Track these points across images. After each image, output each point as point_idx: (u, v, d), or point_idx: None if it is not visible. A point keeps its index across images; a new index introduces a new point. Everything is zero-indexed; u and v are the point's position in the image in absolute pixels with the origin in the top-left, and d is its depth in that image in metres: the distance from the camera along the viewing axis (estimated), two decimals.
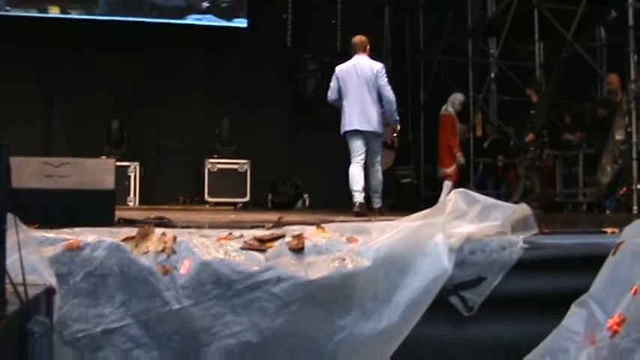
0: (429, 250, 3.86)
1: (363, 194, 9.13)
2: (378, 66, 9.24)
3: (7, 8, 14.28)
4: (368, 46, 9.47)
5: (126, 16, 14.78)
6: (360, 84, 9.15)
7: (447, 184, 12.05)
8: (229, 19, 15.31)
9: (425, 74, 15.86)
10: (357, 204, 8.99)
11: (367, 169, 9.46)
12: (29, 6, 14.41)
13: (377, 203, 9.53)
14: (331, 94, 9.46)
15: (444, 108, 12.53)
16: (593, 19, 12.71)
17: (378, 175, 9.41)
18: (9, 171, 2.75)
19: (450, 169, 12.19)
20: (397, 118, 9.62)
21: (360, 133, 9.15)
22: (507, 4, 13.21)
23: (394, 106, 9.35)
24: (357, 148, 9.18)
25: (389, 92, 9.22)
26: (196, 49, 14.86)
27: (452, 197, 4.31)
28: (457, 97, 12.61)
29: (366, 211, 8.99)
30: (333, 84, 9.42)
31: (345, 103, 9.27)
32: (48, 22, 14.42)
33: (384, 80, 9.18)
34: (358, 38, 9.51)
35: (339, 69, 9.38)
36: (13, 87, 14.09)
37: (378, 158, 9.42)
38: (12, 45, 13.82)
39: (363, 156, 9.19)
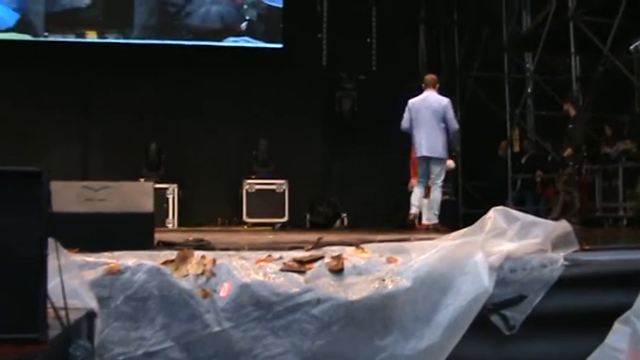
0: (469, 268, 3.83)
1: (418, 210, 10.35)
2: (445, 100, 10.42)
3: (46, 34, 14.47)
4: (437, 85, 10.65)
5: (162, 40, 14.91)
6: (429, 116, 10.29)
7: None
8: (265, 41, 15.38)
9: (461, 91, 15.80)
10: (411, 215, 10.30)
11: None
12: (67, 31, 14.60)
13: (428, 219, 10.50)
14: (404, 124, 10.54)
15: None
16: (629, 31, 12.60)
17: (436, 193, 10.40)
18: (49, 196, 2.77)
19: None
20: (457, 147, 11.23)
21: (426, 158, 10.34)
22: (542, 18, 13.14)
23: (458, 135, 10.90)
24: (423, 171, 10.46)
25: (454, 124, 10.44)
26: (233, 71, 14.92)
27: (491, 215, 4.29)
28: None
29: (415, 224, 10.12)
30: (406, 115, 10.52)
31: (414, 132, 10.41)
32: (85, 46, 14.59)
33: (450, 113, 10.37)
34: (430, 77, 10.77)
35: (412, 102, 10.51)
36: (51, 111, 14.26)
37: (439, 181, 10.42)
38: (49, 69, 13.99)
39: (426, 179, 10.44)
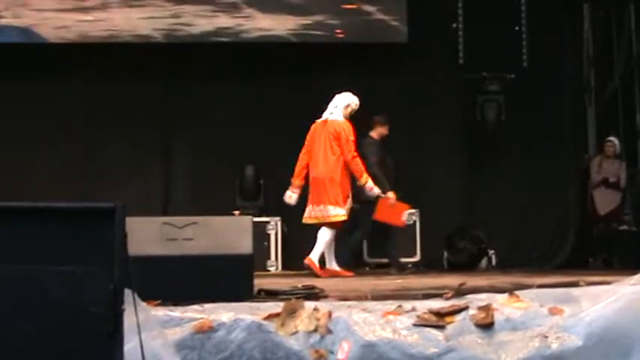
0: None
1: None
2: None
3: None
4: None
5: None
6: None
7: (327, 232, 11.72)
8: None
9: None
10: None
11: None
12: None
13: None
14: None
15: (329, 112, 12.16)
16: None
17: None
18: (125, 237, 2.81)
19: (346, 210, 11.80)
20: None
21: None
22: None
23: None
24: None
25: None
26: (345, 71, 14.92)
27: None
28: (353, 100, 12.12)
29: None
30: None
31: None
32: (158, 48, 14.74)
33: None
34: None
35: None
36: (121, 129, 14.41)
37: None
38: (118, 79, 14.21)
39: None
